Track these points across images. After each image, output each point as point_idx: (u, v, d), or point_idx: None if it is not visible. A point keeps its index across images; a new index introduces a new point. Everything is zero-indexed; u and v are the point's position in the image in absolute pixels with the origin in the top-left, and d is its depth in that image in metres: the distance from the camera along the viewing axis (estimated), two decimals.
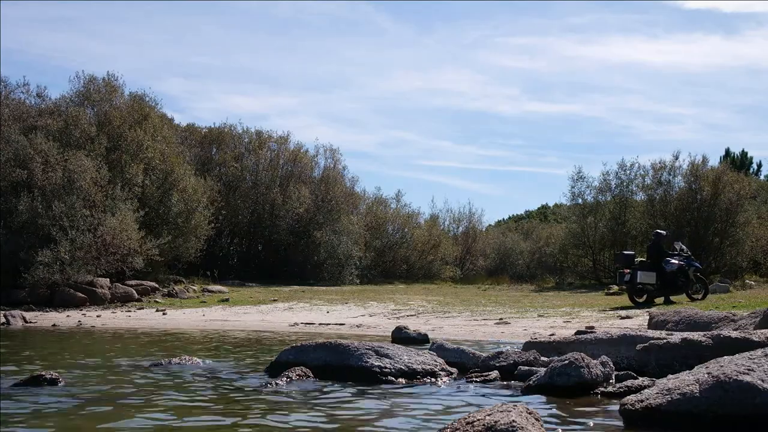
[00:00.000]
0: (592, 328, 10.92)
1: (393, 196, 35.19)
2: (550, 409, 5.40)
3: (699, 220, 24.45)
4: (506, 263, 34.39)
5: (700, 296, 15.38)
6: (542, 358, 7.09)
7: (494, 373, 6.85)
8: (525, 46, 71.58)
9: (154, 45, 66.41)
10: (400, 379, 6.76)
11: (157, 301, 19.60)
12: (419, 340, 10.50)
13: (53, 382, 6.43)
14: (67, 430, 4.86)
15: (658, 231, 16.83)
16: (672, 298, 15.37)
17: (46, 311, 17.55)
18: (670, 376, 5.19)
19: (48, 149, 20.24)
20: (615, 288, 20.99)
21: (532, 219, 45.39)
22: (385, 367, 6.84)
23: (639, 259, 16.08)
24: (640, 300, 15.38)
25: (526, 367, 6.76)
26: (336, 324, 14.05)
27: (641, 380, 5.99)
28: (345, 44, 74.37)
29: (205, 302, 19.46)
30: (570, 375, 5.91)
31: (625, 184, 26.66)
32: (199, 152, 29.18)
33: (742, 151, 40.54)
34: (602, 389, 5.98)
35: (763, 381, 4.50)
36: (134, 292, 19.81)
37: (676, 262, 15.50)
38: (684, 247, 16.34)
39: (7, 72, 66.10)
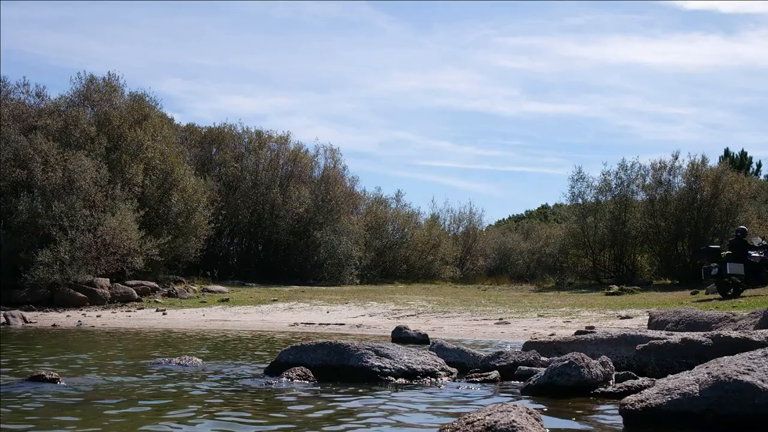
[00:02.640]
0: (592, 328, 10.92)
1: (393, 196, 35.30)
2: (550, 409, 5.39)
3: (699, 220, 24.46)
4: (506, 263, 34.42)
5: None
6: (542, 358, 7.09)
7: (494, 373, 6.85)
8: (524, 47, 71.69)
9: (154, 45, 66.50)
10: (400, 379, 6.76)
11: (157, 301, 19.60)
12: (419, 340, 10.50)
13: (53, 382, 6.43)
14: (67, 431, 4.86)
15: (742, 227, 17.05)
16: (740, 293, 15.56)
17: (46, 311, 17.54)
18: (670, 376, 5.19)
19: (48, 149, 20.24)
20: (615, 288, 21.02)
21: (532, 219, 45.43)
22: (385, 367, 6.84)
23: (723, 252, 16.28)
24: (729, 293, 15.52)
25: (526, 367, 6.76)
26: (336, 324, 14.05)
27: (641, 380, 5.99)
28: (343, 45, 74.46)
29: (205, 302, 19.46)
30: (570, 375, 5.91)
31: (625, 184, 26.68)
32: (199, 152, 29.19)
33: (742, 151, 40.61)
34: (602, 389, 5.98)
35: (763, 381, 4.50)
36: (134, 292, 19.81)
37: (758, 255, 15.79)
38: (763, 241, 16.59)
39: (7, 72, 66.21)
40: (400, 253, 32.56)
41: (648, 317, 10.87)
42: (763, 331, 6.36)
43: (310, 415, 5.25)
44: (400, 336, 10.67)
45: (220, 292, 21.71)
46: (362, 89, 73.14)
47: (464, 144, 74.37)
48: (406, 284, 28.72)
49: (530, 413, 4.20)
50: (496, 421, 3.95)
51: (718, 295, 16.06)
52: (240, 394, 6.18)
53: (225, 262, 28.03)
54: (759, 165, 41.49)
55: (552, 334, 9.83)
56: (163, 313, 16.97)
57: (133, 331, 13.51)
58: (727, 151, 39.65)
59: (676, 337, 6.66)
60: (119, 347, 10.59)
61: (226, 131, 30.15)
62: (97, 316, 16.46)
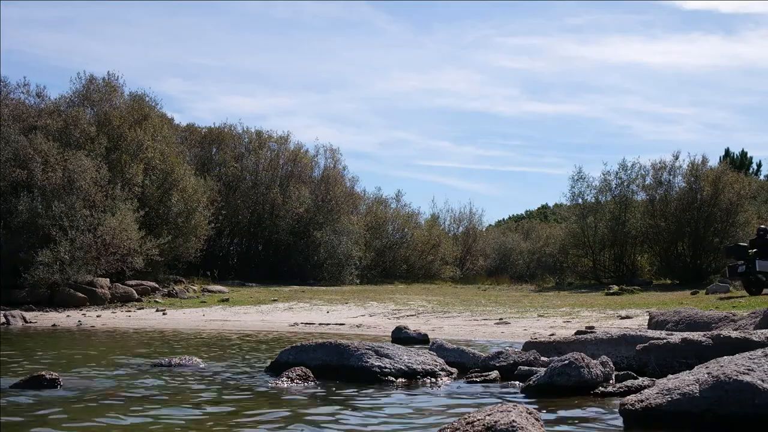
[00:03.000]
0: (592, 328, 10.91)
1: (393, 196, 35.29)
2: (550, 409, 5.39)
3: (699, 220, 24.46)
4: (506, 263, 34.42)
5: None
6: (542, 358, 7.09)
7: (494, 373, 6.85)
8: (523, 47, 71.73)
9: (154, 45, 66.53)
10: (400, 379, 6.75)
11: (157, 301, 19.60)
12: (419, 340, 10.50)
13: (53, 382, 6.43)
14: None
15: (764, 227, 16.97)
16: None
17: (46, 311, 17.54)
18: (670, 376, 5.19)
19: (48, 149, 20.24)
20: (615, 288, 21.02)
21: (532, 219, 45.42)
22: (385, 367, 6.84)
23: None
24: (754, 290, 15.53)
25: (526, 367, 6.76)
26: (336, 324, 14.05)
27: (641, 380, 5.99)
28: (343, 45, 74.49)
29: (205, 302, 19.46)
30: (570, 375, 5.91)
31: (625, 184, 26.67)
32: (199, 152, 29.18)
33: (742, 151, 40.62)
34: (602, 389, 5.98)
35: (763, 381, 4.50)
36: (134, 292, 19.81)
37: None
38: None
39: (7, 72, 66.18)
40: (400, 253, 32.55)
41: (648, 317, 10.87)
42: (763, 331, 6.36)
43: (309, 416, 5.25)
44: (400, 336, 10.66)
45: (220, 292, 21.70)
46: (362, 89, 73.24)
47: (464, 144, 74.45)
48: (406, 284, 28.71)
49: (530, 413, 4.20)
50: (496, 421, 3.95)
51: (718, 295, 16.09)
52: (240, 394, 6.17)
53: (225, 262, 28.03)
54: (759, 165, 41.53)
55: (552, 334, 9.83)
56: (163, 313, 16.97)
57: (133, 331, 13.51)
58: (727, 151, 39.67)
59: (676, 337, 6.66)
60: (119, 347, 10.59)
61: (226, 131, 30.15)
62: (97, 316, 16.46)
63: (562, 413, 5.26)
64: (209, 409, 5.52)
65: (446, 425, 4.20)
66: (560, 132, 75.86)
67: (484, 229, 38.23)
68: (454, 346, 7.84)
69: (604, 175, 27.07)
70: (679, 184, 25.68)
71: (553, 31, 71.85)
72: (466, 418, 4.12)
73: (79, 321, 15.37)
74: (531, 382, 6.13)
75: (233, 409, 5.52)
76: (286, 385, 6.53)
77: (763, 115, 68.86)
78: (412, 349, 7.58)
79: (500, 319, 13.94)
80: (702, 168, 25.22)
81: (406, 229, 33.62)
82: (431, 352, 7.53)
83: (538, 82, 74.49)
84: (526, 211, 50.95)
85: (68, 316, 16.58)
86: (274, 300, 19.55)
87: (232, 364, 8.26)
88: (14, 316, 14.99)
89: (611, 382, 6.18)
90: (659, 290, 20.99)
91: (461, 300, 19.20)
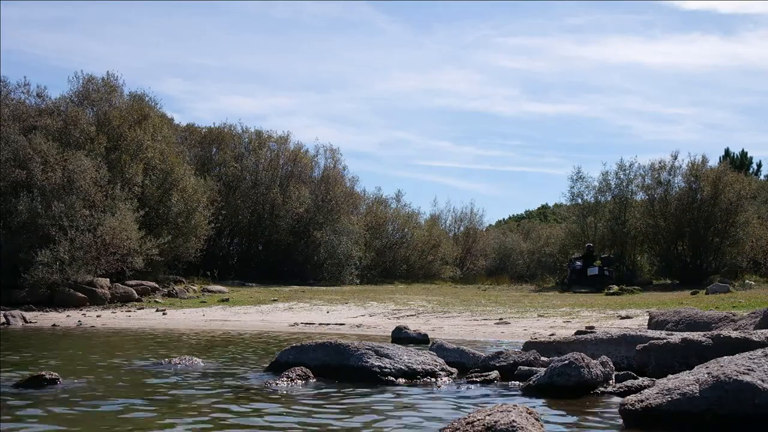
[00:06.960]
0: (592, 328, 10.91)
1: (393, 196, 35.27)
2: (550, 409, 5.39)
3: (699, 220, 24.43)
4: (506, 263, 34.41)
5: None
6: (542, 358, 7.09)
7: (494, 373, 6.85)
8: (523, 47, 71.74)
9: (154, 45, 66.54)
10: (400, 380, 6.75)
11: (157, 301, 19.59)
12: (419, 340, 10.49)
13: (53, 382, 6.43)
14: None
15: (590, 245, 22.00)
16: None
17: (46, 311, 17.53)
18: (670, 376, 5.19)
19: (47, 149, 20.22)
20: (615, 288, 21.04)
21: (532, 219, 45.41)
22: (385, 367, 6.84)
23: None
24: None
25: (526, 367, 6.76)
26: (336, 324, 14.05)
27: (641, 380, 5.99)
28: (343, 45, 74.49)
29: (205, 302, 19.45)
30: (570, 375, 5.91)
31: (624, 184, 26.65)
32: (199, 152, 29.15)
33: (742, 151, 40.57)
34: (602, 389, 5.98)
35: (763, 381, 4.50)
36: (134, 292, 19.79)
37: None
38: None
39: (7, 72, 66.15)
40: (400, 253, 32.54)
41: (648, 317, 10.86)
42: (763, 331, 6.36)
43: (309, 416, 5.25)
44: (400, 336, 10.66)
45: (220, 292, 21.69)
46: (362, 89, 73.26)
47: (464, 144, 74.46)
48: (406, 284, 28.70)
49: (530, 413, 4.20)
50: (496, 421, 3.96)
51: (718, 295, 16.14)
52: (240, 394, 6.17)
53: (225, 262, 28.01)
54: (759, 165, 41.48)
55: (552, 334, 9.83)
56: (163, 313, 16.97)
57: (133, 331, 13.51)
58: (727, 151, 39.64)
59: (676, 337, 6.66)
60: (119, 347, 10.58)
61: (226, 131, 30.11)
62: (97, 316, 16.45)
63: (561, 413, 5.26)
64: (207, 409, 5.52)
65: (446, 425, 4.20)
66: (560, 132, 75.97)
67: (484, 229, 38.23)
68: (454, 346, 7.84)
69: (603, 175, 27.10)
70: (679, 184, 25.67)
71: (553, 31, 71.91)
72: (466, 418, 4.13)
73: (79, 321, 15.37)
74: (531, 382, 6.14)
75: (231, 409, 5.51)
76: (285, 385, 6.53)
77: (763, 115, 68.92)
78: (412, 349, 7.58)
79: (500, 319, 13.94)
80: (702, 168, 25.20)
81: (406, 229, 33.60)
82: (431, 352, 7.53)
83: (538, 82, 74.58)
84: (526, 211, 50.96)
85: (68, 316, 16.58)
86: (274, 300, 19.54)
87: (233, 364, 8.26)
88: (14, 316, 14.98)
89: (611, 382, 6.19)
90: (659, 290, 20.99)
91: (461, 300, 19.20)
